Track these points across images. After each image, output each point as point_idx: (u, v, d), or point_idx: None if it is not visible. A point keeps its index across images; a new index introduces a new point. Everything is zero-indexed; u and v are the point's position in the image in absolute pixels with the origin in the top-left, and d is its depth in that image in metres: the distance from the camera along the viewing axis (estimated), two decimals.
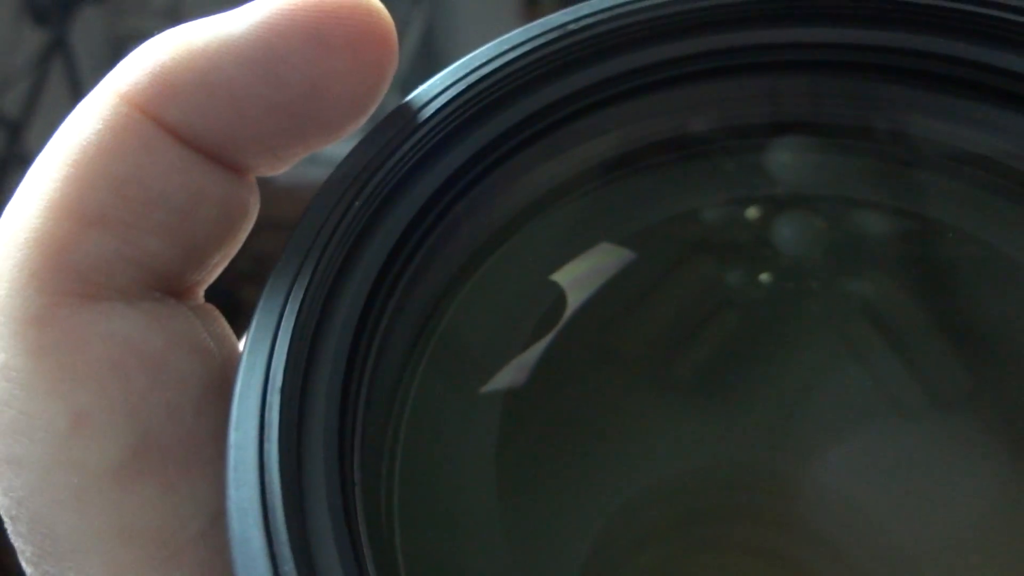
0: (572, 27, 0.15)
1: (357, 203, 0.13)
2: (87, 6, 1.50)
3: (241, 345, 0.15)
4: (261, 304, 0.13)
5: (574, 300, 0.17)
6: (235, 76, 0.14)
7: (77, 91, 1.56)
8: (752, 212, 0.18)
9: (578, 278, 0.17)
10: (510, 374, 0.16)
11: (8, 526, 0.14)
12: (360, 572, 0.11)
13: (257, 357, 0.12)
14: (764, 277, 0.18)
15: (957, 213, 0.17)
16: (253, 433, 0.11)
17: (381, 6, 0.15)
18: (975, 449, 0.17)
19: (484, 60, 0.15)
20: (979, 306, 0.18)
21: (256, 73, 0.14)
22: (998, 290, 0.17)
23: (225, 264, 0.15)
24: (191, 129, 0.14)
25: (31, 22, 1.42)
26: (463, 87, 0.15)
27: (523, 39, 0.15)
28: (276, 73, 0.14)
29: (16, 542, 0.14)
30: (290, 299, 0.12)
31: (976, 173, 0.17)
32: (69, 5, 1.44)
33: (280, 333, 0.12)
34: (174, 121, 0.14)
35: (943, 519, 0.16)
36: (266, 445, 0.11)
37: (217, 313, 0.15)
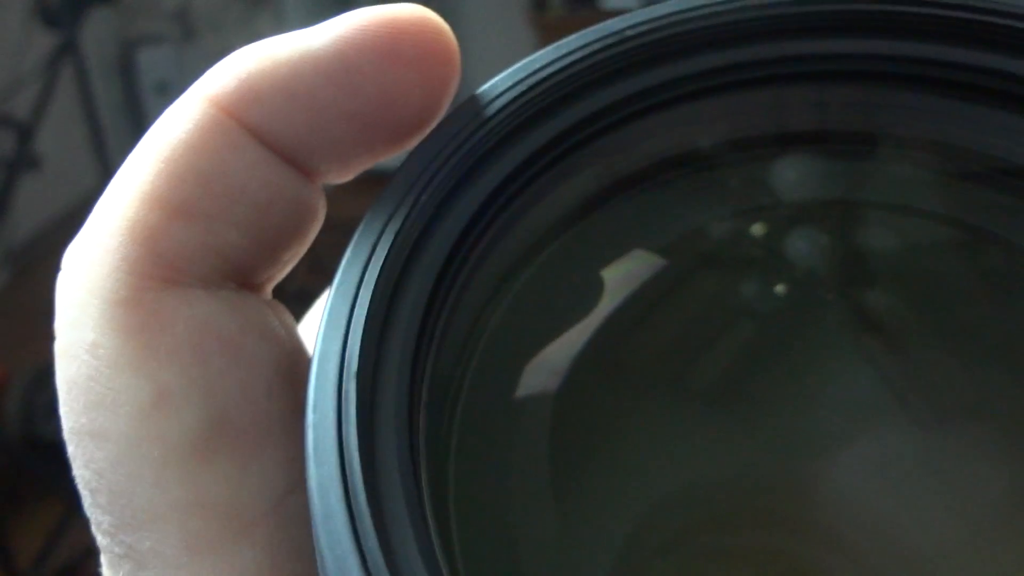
0: (629, 33, 0.16)
1: (423, 198, 0.14)
2: (96, 9, 1.51)
3: (300, 326, 0.16)
4: (333, 291, 0.13)
5: (608, 308, 0.17)
6: (313, 84, 0.15)
7: (87, 94, 1.57)
8: (764, 224, 0.18)
9: (614, 286, 0.17)
10: (552, 374, 0.16)
11: (86, 498, 0.14)
12: (431, 550, 0.11)
13: (332, 343, 0.13)
14: (778, 288, 0.18)
15: (970, 218, 0.17)
16: (331, 415, 0.12)
17: (447, 26, 0.15)
18: (989, 455, 0.17)
19: (543, 63, 0.15)
20: (994, 310, 0.17)
21: (332, 82, 0.15)
22: (1013, 293, 0.17)
23: (294, 263, 0.16)
24: (271, 131, 0.15)
25: (41, 25, 1.43)
26: (522, 90, 0.15)
27: (580, 44, 0.16)
28: (351, 83, 0.15)
29: (93, 513, 0.14)
30: (361, 288, 0.13)
31: (988, 178, 0.17)
32: (78, 8, 1.44)
33: (353, 321, 0.13)
34: (256, 123, 0.15)
35: (960, 523, 0.16)
36: (344, 427, 0.12)
37: (283, 308, 0.16)
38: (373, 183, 0.15)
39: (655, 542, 0.16)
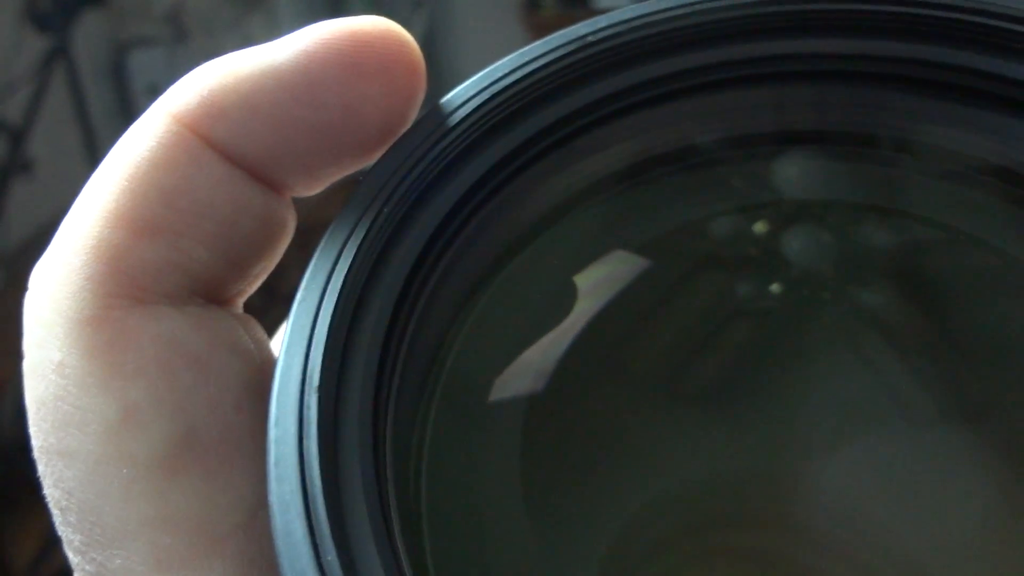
0: (590, 39, 0.16)
1: (386, 210, 0.14)
2: (88, 12, 1.50)
3: (274, 343, 0.16)
4: (296, 306, 0.13)
5: (587, 311, 0.17)
6: (277, 99, 0.15)
7: (79, 97, 1.57)
8: (761, 222, 0.18)
9: (591, 289, 0.17)
10: (528, 378, 0.16)
11: (56, 517, 0.14)
12: (395, 561, 0.11)
13: (294, 357, 0.13)
14: (773, 287, 0.18)
15: (967, 221, 0.17)
16: (293, 430, 0.12)
17: (410, 36, 0.15)
18: (984, 457, 0.17)
19: (506, 71, 0.15)
20: (991, 314, 0.18)
21: (296, 97, 0.15)
22: (1008, 297, 0.17)
23: (264, 277, 0.16)
24: (236, 147, 0.15)
25: (32, 29, 1.42)
26: (486, 98, 0.15)
27: (542, 51, 0.16)
28: (314, 97, 0.15)
29: (64, 532, 0.14)
30: (324, 301, 0.13)
31: (985, 181, 0.17)
32: (70, 11, 1.44)
33: (315, 334, 0.13)
34: (220, 140, 0.15)
35: (952, 526, 0.16)
36: (305, 442, 0.12)
37: (254, 321, 0.16)
38: None
39: (645, 544, 0.16)
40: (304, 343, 0.13)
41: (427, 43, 1.64)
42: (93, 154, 1.56)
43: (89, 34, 1.58)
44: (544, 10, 1.76)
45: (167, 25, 1.70)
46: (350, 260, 0.13)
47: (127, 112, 1.73)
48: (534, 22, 1.75)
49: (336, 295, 0.13)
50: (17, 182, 1.36)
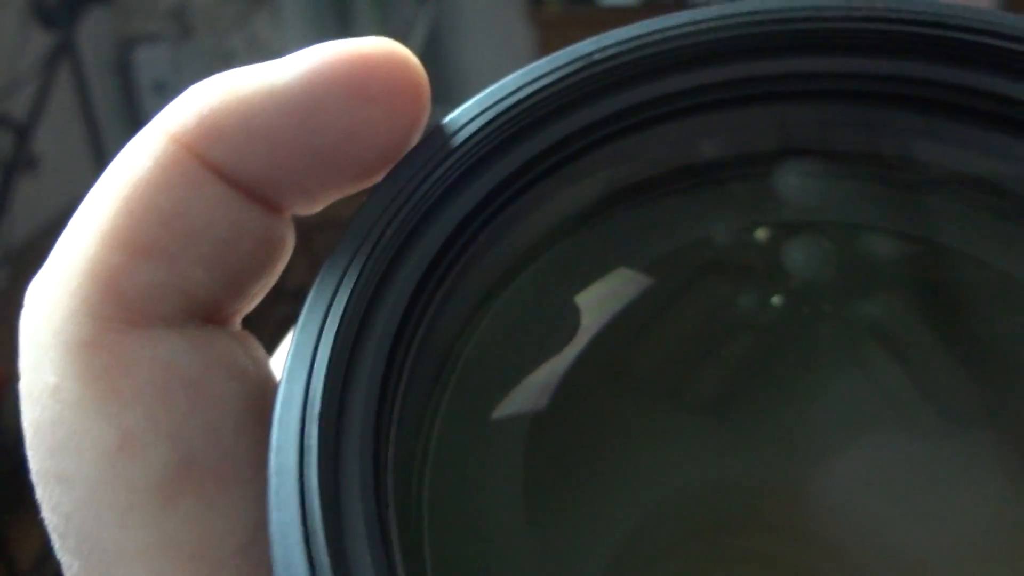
0: (597, 56, 0.16)
1: (389, 231, 0.14)
2: (93, 9, 1.50)
3: (276, 358, 0.15)
4: (298, 331, 0.13)
5: (592, 323, 0.17)
6: (276, 122, 0.14)
7: (84, 93, 1.57)
8: (763, 237, 0.18)
9: (596, 302, 0.17)
10: (532, 394, 0.16)
11: (55, 542, 0.14)
12: None
13: (295, 384, 0.13)
14: (776, 300, 0.18)
15: (964, 236, 0.17)
16: (293, 458, 0.12)
17: (415, 59, 0.15)
18: (985, 464, 0.17)
19: (511, 90, 0.15)
20: (987, 326, 0.18)
21: (296, 120, 0.14)
22: (1005, 311, 0.17)
23: (263, 294, 0.16)
24: (233, 169, 0.15)
25: (38, 25, 1.43)
26: (490, 117, 0.15)
27: (548, 70, 0.15)
28: (315, 121, 0.14)
29: (63, 557, 0.14)
30: (326, 327, 0.13)
31: (982, 197, 0.17)
32: (76, 8, 1.44)
33: (316, 360, 0.13)
34: (218, 161, 0.14)
35: (955, 531, 0.16)
36: (306, 470, 0.12)
37: (253, 339, 0.16)
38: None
39: (650, 549, 0.16)
40: (306, 369, 0.13)
41: (431, 39, 1.64)
42: (98, 150, 1.57)
43: (94, 30, 1.59)
44: (549, 6, 1.76)
45: (172, 21, 1.70)
46: (352, 285, 0.13)
47: (132, 108, 1.73)
48: (539, 18, 1.75)
49: (338, 321, 0.13)
50: (22, 178, 1.37)
